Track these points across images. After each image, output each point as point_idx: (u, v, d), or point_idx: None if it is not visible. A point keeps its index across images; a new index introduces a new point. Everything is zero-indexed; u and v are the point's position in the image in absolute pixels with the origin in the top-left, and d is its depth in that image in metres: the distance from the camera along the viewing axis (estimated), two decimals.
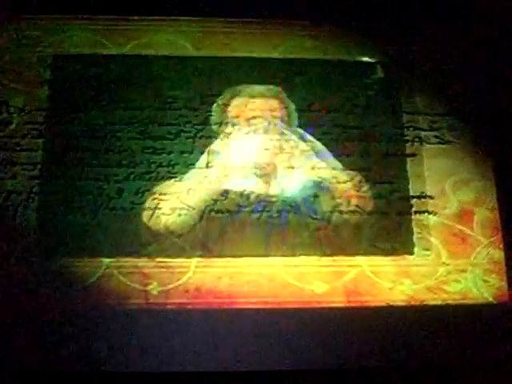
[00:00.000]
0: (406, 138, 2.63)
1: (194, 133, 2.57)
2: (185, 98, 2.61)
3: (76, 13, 2.66)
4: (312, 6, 2.73)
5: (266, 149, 2.58)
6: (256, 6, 2.68)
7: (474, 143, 2.65)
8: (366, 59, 2.73)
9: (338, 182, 2.55)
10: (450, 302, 2.43)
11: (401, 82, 2.71)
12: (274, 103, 2.66)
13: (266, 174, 2.56)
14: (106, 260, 2.37)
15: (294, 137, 2.62)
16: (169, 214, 2.45)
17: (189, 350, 2.28)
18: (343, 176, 2.56)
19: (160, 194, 2.48)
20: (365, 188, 2.55)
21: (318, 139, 2.61)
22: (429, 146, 2.63)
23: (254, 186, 2.53)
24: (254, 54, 2.69)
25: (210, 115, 2.62)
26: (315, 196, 2.52)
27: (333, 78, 2.68)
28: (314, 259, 2.43)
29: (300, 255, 2.44)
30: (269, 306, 2.36)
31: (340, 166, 2.59)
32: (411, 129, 2.64)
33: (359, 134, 2.61)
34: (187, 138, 2.56)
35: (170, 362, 2.27)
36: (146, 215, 2.44)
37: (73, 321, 2.27)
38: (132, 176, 2.48)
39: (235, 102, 2.66)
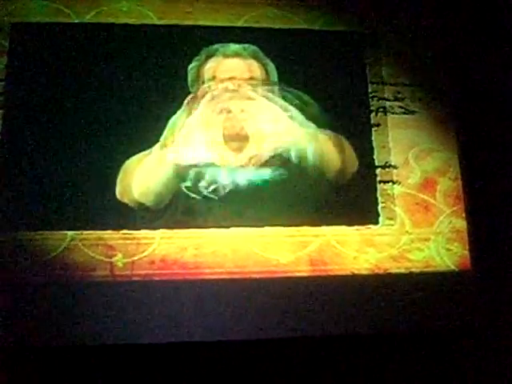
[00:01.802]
0: (371, 108, 2.63)
1: (164, 103, 2.51)
2: (151, 68, 2.56)
3: None
4: None
5: (239, 114, 2.50)
6: None
7: (438, 113, 2.66)
8: (331, 29, 2.71)
9: (317, 143, 2.52)
10: (413, 270, 2.46)
11: (366, 52, 2.70)
12: (252, 63, 2.59)
13: (237, 142, 2.50)
14: (71, 232, 2.34)
15: (268, 100, 2.54)
16: (140, 189, 2.42)
17: (154, 321, 2.27)
18: (322, 136, 2.54)
19: (129, 168, 2.44)
20: (346, 146, 2.54)
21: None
22: (393, 116, 2.64)
23: (224, 157, 2.48)
24: (217, 23, 2.65)
25: (185, 80, 2.56)
26: (287, 163, 2.49)
27: (297, 47, 2.66)
28: (278, 229, 2.44)
29: (264, 226, 2.44)
30: (234, 277, 2.36)
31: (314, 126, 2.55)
32: (375, 99, 2.64)
33: (324, 103, 2.59)
34: (157, 109, 2.50)
35: (137, 333, 2.27)
36: (117, 190, 2.41)
37: (37, 294, 2.25)
38: (100, 149, 2.44)
39: (210, 63, 2.58)
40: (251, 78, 2.57)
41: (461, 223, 2.55)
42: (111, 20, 2.58)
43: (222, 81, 2.54)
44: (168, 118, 2.50)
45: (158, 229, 2.39)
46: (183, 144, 2.47)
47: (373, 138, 2.60)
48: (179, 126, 2.49)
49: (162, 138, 2.47)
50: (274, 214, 2.45)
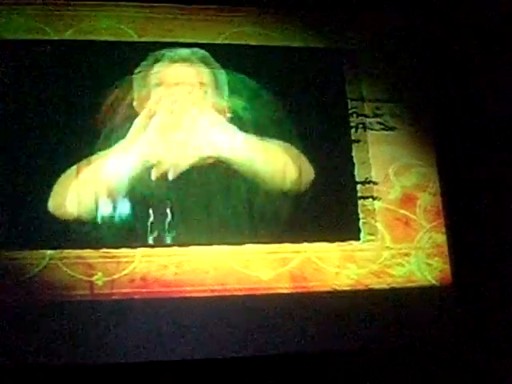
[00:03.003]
0: (351, 124, 2.65)
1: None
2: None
3: None
4: None
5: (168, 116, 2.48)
6: None
7: (417, 129, 2.69)
8: (310, 46, 2.72)
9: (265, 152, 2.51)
10: (394, 285, 2.48)
11: (345, 69, 2.72)
12: (201, 68, 2.57)
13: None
14: (50, 251, 2.31)
15: (212, 111, 2.52)
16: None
17: (135, 340, 2.26)
18: (270, 145, 2.52)
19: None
20: (297, 154, 2.53)
21: (261, 124, 2.56)
22: (373, 132, 2.65)
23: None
24: (197, 40, 2.64)
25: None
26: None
27: (277, 64, 2.66)
28: (259, 247, 2.44)
29: (245, 243, 2.43)
30: (215, 294, 2.36)
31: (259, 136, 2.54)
32: (355, 115, 2.66)
33: (304, 120, 2.60)
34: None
35: (117, 352, 2.24)
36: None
37: (16, 313, 2.22)
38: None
39: (157, 68, 2.56)
40: (200, 84, 2.55)
41: (441, 238, 2.57)
42: (91, 37, 2.58)
43: (168, 86, 2.53)
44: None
45: (138, 247, 2.37)
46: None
47: (353, 154, 2.61)
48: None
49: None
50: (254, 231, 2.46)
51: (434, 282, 2.51)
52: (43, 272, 2.29)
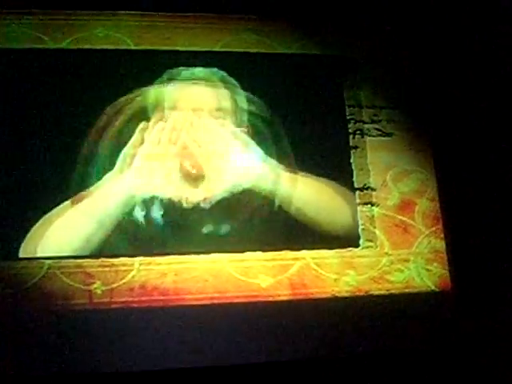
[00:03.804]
0: (349, 130, 2.65)
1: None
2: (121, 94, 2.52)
3: (10, 7, 2.57)
4: (254, 0, 2.72)
5: (197, 149, 2.45)
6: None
7: (414, 135, 2.70)
8: (309, 53, 2.73)
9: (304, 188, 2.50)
10: (393, 291, 2.47)
11: (342, 75, 2.72)
12: (220, 90, 2.55)
13: (193, 177, 2.45)
14: (49, 260, 2.31)
15: (233, 135, 2.49)
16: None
17: (134, 349, 2.25)
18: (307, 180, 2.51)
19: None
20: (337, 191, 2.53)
21: (259, 131, 2.56)
22: (370, 138, 2.66)
23: (181, 192, 2.42)
24: (195, 47, 2.65)
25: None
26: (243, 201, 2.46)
27: (275, 71, 2.67)
28: (258, 254, 2.43)
29: (245, 251, 2.43)
30: (215, 302, 2.35)
31: (275, 163, 2.52)
32: (352, 121, 2.66)
33: (302, 127, 2.60)
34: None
35: (116, 361, 2.23)
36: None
37: (15, 322, 2.22)
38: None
39: (173, 89, 2.53)
40: (218, 109, 2.52)
41: (440, 243, 2.57)
42: (88, 46, 2.58)
43: (183, 110, 2.48)
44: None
45: (137, 256, 2.37)
46: (139, 174, 2.41)
47: (351, 161, 2.62)
48: (131, 154, 2.42)
49: (116, 167, 2.41)
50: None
51: (433, 287, 2.51)
52: (42, 281, 2.29)
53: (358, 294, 2.45)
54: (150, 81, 2.54)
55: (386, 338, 2.40)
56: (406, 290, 2.48)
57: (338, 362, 2.38)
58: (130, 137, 2.44)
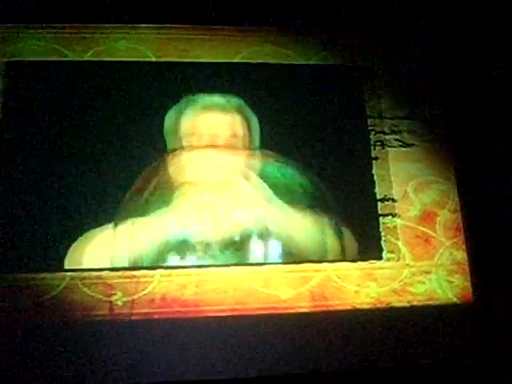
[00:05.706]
0: (370, 141, 2.65)
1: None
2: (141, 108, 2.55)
3: (32, 21, 2.60)
4: (273, 12, 2.73)
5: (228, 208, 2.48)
6: (216, 12, 2.68)
7: (435, 146, 2.68)
8: (329, 63, 2.74)
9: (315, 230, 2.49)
10: (415, 303, 2.45)
11: (363, 86, 2.72)
12: (234, 118, 2.56)
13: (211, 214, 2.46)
14: (70, 272, 2.32)
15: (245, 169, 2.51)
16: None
17: (155, 360, 2.25)
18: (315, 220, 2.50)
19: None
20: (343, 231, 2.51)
21: (281, 143, 2.57)
22: (391, 149, 2.65)
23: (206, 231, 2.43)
24: (214, 59, 2.67)
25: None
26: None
27: (295, 83, 2.67)
28: (279, 266, 2.43)
29: (265, 264, 2.44)
30: (235, 313, 2.34)
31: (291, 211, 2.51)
32: (373, 132, 2.66)
33: (323, 139, 2.61)
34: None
35: (137, 373, 2.24)
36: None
37: (36, 334, 2.23)
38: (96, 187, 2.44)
39: (189, 116, 2.55)
40: (233, 136, 2.53)
41: (461, 255, 2.54)
42: (109, 59, 2.60)
43: (200, 136, 2.50)
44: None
45: (157, 268, 2.38)
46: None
47: (373, 172, 2.61)
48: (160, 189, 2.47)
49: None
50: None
51: (455, 299, 2.48)
52: (63, 292, 2.30)
53: (379, 306, 2.43)
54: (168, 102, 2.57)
55: (406, 351, 2.37)
56: (428, 303, 2.45)
57: (359, 375, 2.36)
58: None
